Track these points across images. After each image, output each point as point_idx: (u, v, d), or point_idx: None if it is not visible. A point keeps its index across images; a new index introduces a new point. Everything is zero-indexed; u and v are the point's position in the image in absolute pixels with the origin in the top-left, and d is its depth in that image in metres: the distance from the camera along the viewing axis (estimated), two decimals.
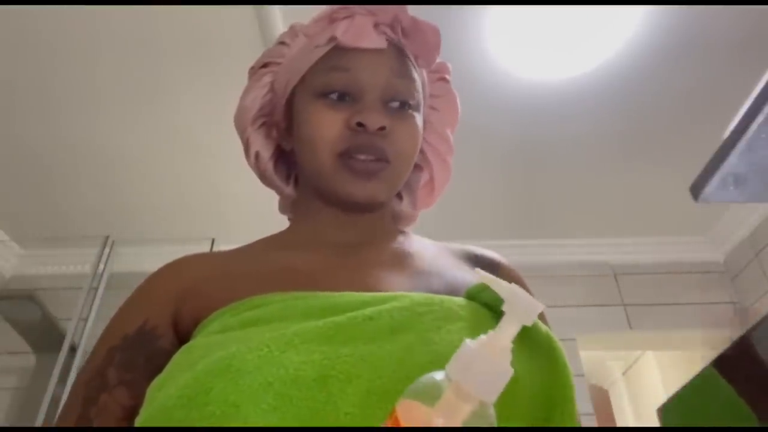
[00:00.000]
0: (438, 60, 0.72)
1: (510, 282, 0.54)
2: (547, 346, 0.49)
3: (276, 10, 1.73)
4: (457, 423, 0.30)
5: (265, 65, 0.71)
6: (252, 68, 0.73)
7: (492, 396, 0.32)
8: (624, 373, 3.53)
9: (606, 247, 2.76)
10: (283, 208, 0.78)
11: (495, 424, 0.32)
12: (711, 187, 0.72)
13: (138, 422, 0.47)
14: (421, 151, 0.73)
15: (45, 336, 2.37)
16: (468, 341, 0.33)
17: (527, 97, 2.04)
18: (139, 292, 0.62)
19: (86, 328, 2.18)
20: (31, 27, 1.78)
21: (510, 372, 0.33)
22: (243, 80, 0.74)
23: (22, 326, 2.35)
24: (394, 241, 0.68)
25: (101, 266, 2.37)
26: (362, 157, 0.61)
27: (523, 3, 1.71)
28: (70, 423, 0.52)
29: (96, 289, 2.32)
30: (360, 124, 0.60)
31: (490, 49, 1.87)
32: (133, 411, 0.50)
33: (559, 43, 1.85)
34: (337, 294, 0.52)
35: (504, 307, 0.34)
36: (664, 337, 2.61)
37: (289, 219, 0.78)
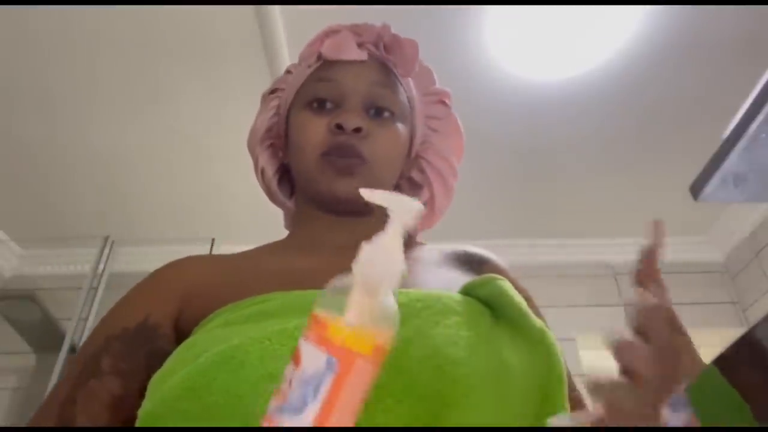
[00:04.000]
0: (438, 86, 0.78)
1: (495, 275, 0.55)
2: (540, 340, 0.49)
3: (276, 10, 1.73)
4: (368, 320, 0.33)
5: (273, 91, 0.77)
6: (263, 95, 0.79)
7: (394, 282, 0.36)
8: None
9: (606, 247, 2.76)
10: (288, 225, 0.81)
11: (398, 316, 0.35)
12: (711, 187, 0.72)
13: (141, 415, 0.47)
14: (422, 171, 0.76)
15: (45, 336, 2.36)
16: (364, 243, 0.37)
17: (527, 97, 2.04)
18: (143, 286, 0.63)
19: (86, 328, 2.17)
20: (31, 28, 1.78)
21: (402, 262, 0.36)
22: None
23: (22, 326, 2.35)
24: None
25: (101, 266, 2.37)
26: (340, 157, 0.65)
27: (523, 3, 1.71)
28: (55, 403, 0.53)
29: (96, 289, 2.32)
30: (338, 126, 0.65)
31: (490, 49, 1.87)
32: (122, 401, 0.51)
33: (559, 43, 1.85)
34: None
35: (389, 212, 0.38)
36: None
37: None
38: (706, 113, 2.04)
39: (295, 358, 0.34)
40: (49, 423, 0.52)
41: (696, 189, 0.75)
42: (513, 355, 0.47)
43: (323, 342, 0.33)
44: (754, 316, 2.48)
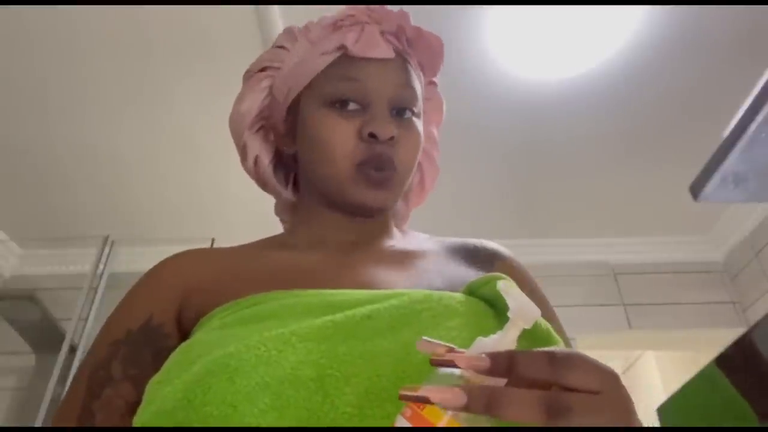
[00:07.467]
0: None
1: (507, 275, 0.54)
2: (546, 341, 0.49)
3: (276, 9, 1.73)
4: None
5: (263, 69, 0.71)
6: (248, 72, 0.73)
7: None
8: (624, 373, 3.52)
9: (606, 247, 2.76)
10: (279, 211, 0.78)
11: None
12: (711, 187, 0.72)
13: (137, 421, 0.46)
14: None
15: (45, 336, 2.36)
16: (480, 338, 0.37)
17: (527, 96, 2.04)
18: (143, 285, 0.61)
19: (86, 328, 2.17)
20: (31, 27, 1.78)
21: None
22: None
23: (22, 326, 2.35)
24: (393, 239, 0.69)
25: (101, 266, 2.37)
26: (376, 170, 0.62)
27: (523, 3, 1.72)
28: (71, 417, 0.51)
29: (96, 289, 2.32)
30: (372, 135, 0.62)
31: (490, 49, 1.87)
32: (137, 407, 0.50)
33: (559, 43, 1.85)
34: (335, 292, 0.52)
35: (509, 314, 0.37)
36: (663, 337, 2.61)
37: (283, 221, 0.78)
38: (706, 113, 2.04)
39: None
40: None
41: (696, 189, 0.75)
42: None
43: (417, 419, 0.34)
44: (754, 316, 2.48)
